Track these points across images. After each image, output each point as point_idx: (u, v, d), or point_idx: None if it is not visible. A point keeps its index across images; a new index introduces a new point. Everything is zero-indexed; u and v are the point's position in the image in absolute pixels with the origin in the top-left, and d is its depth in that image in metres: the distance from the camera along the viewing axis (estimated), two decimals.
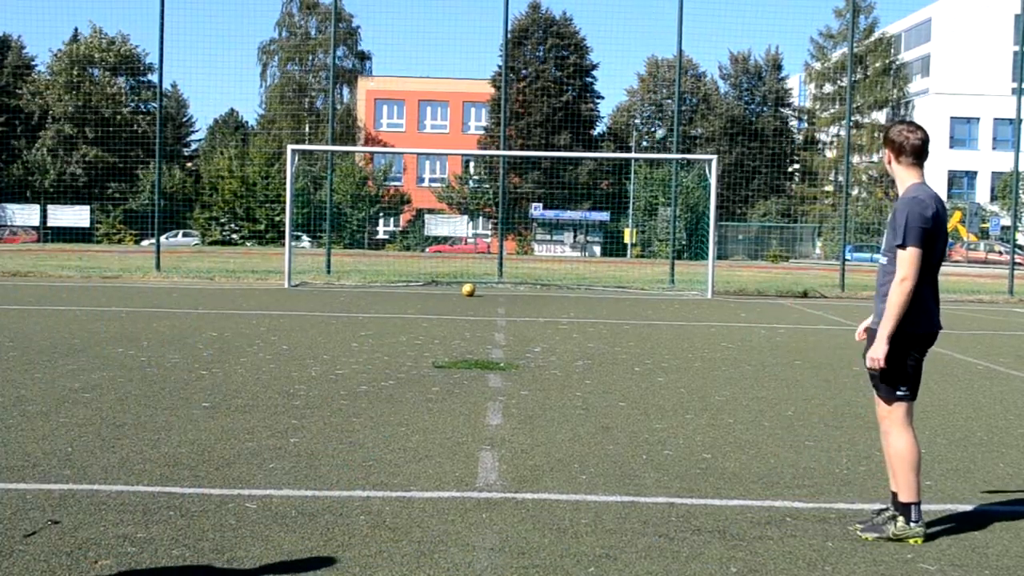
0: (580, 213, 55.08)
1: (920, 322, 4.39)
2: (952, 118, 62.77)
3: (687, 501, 4.93)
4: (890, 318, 4.29)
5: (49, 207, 35.33)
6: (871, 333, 4.47)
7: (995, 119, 61.35)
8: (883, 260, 4.47)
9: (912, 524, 4.37)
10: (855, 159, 61.14)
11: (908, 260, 4.28)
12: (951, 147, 62.86)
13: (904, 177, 4.49)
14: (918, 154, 4.45)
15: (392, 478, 5.17)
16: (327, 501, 4.72)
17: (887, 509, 4.51)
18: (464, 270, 26.52)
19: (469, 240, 51.69)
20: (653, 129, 63.11)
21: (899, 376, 4.40)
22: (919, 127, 4.52)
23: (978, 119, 62.79)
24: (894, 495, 4.48)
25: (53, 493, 4.72)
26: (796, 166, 61.97)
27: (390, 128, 64.91)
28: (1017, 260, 25.53)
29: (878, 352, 4.31)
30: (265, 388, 7.82)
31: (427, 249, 49.33)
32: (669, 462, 5.74)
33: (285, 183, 22.14)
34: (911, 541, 4.35)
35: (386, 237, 58.38)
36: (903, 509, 4.39)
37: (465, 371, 9.04)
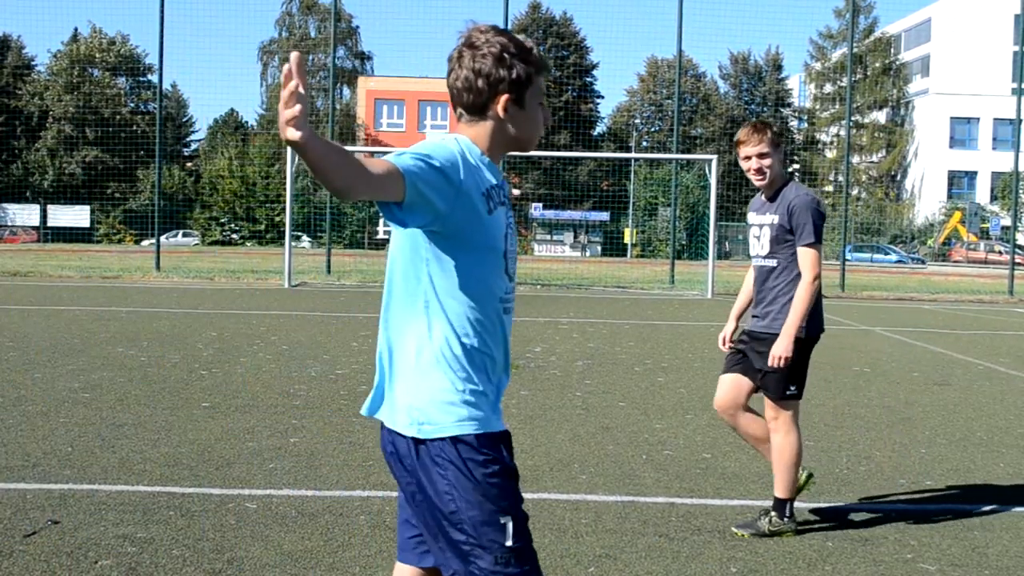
0: (580, 213, 55.06)
1: (820, 322, 4.48)
2: (952, 118, 62.76)
3: (687, 501, 4.93)
4: (800, 317, 4.30)
5: (49, 207, 35.36)
6: (764, 335, 4.43)
7: (995, 119, 61.33)
8: (771, 262, 4.43)
9: (785, 519, 4.41)
10: (855, 159, 61.22)
11: (817, 259, 4.33)
12: (951, 147, 62.86)
13: (781, 173, 4.48)
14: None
15: (392, 478, 5.17)
16: (327, 501, 4.72)
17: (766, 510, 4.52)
18: None
19: None
20: (653, 129, 63.09)
21: (798, 376, 4.42)
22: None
23: (978, 119, 62.78)
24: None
25: (53, 493, 4.72)
26: (796, 166, 61.97)
27: (390, 128, 64.90)
28: (1017, 260, 25.52)
29: (788, 351, 4.29)
30: (265, 388, 7.82)
31: None
32: (669, 462, 5.74)
33: (285, 183, 22.14)
34: (786, 536, 4.39)
35: (386, 237, 58.34)
36: (779, 505, 4.42)
37: None
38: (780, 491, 4.44)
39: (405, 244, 2.30)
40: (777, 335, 4.35)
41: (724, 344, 4.73)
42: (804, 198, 4.36)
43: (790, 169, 61.30)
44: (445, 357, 2.26)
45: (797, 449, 4.44)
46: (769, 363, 4.33)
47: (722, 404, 4.62)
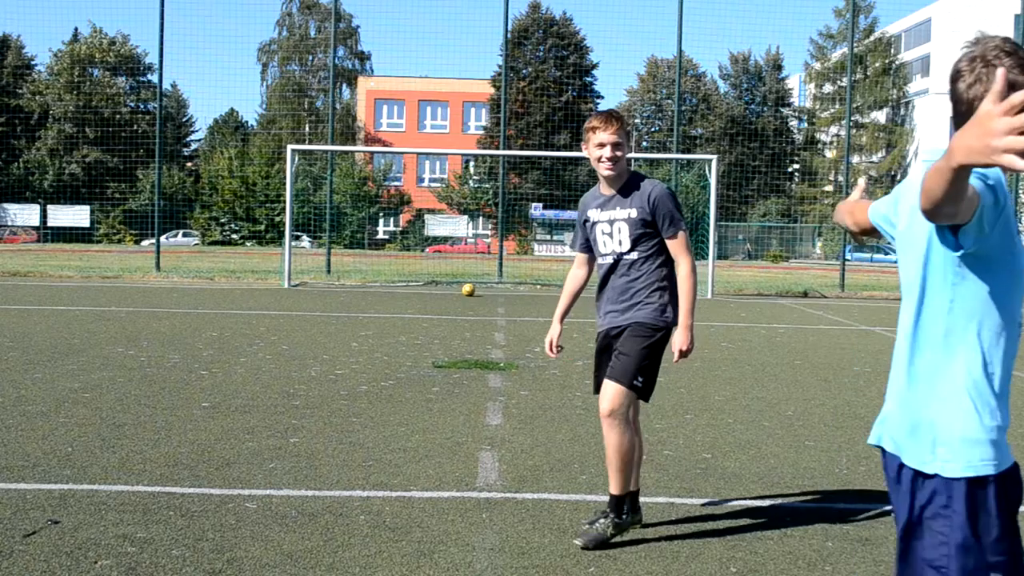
0: None
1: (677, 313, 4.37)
2: (952, 118, 62.72)
3: (687, 501, 4.93)
4: (693, 303, 4.25)
5: (49, 207, 35.30)
6: (625, 327, 4.29)
7: None
8: (631, 256, 4.30)
9: (624, 516, 4.27)
10: (855, 159, 61.18)
11: (688, 245, 4.30)
12: None
13: (627, 167, 4.38)
14: None
15: (392, 478, 5.17)
16: (327, 501, 4.72)
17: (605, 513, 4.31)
18: (464, 270, 26.51)
19: (469, 240, 51.69)
20: (653, 129, 63.09)
21: (651, 369, 4.27)
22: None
23: None
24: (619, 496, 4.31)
25: (53, 493, 4.72)
26: (796, 166, 61.96)
27: (390, 128, 64.90)
28: None
29: (690, 343, 4.23)
30: (265, 388, 7.82)
31: (427, 249, 49.33)
32: (669, 462, 5.74)
33: (285, 183, 22.14)
34: (634, 528, 4.33)
35: (386, 237, 58.36)
36: (616, 503, 4.26)
37: (465, 371, 9.04)
38: (618, 488, 4.27)
39: (934, 264, 2.16)
40: (649, 325, 4.23)
41: (552, 349, 4.58)
42: (661, 188, 4.28)
43: (790, 169, 61.34)
44: (977, 388, 2.11)
45: (635, 444, 4.27)
46: (675, 359, 4.25)
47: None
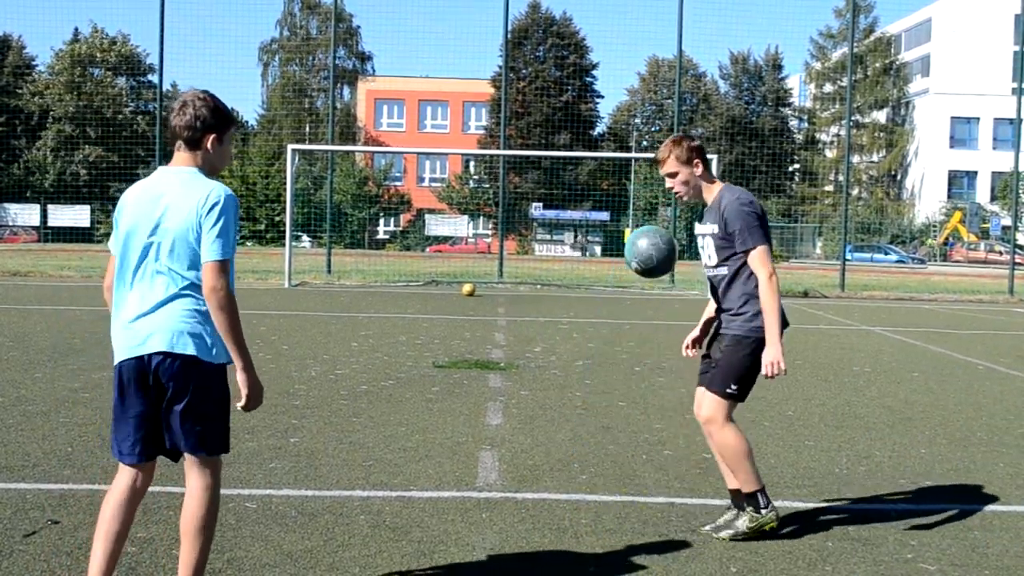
0: (580, 213, 55.03)
1: (785, 319, 4.46)
2: (952, 118, 62.75)
3: (687, 501, 4.93)
4: (776, 318, 4.26)
5: (49, 207, 35.28)
6: (724, 334, 4.40)
7: (995, 119, 61.31)
8: (722, 271, 4.39)
9: (763, 511, 4.34)
10: (855, 159, 61.16)
11: (765, 256, 4.29)
12: (951, 147, 62.85)
13: (710, 180, 4.44)
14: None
15: (392, 478, 5.17)
16: (327, 501, 4.72)
17: (731, 509, 4.49)
18: (464, 270, 26.52)
19: (469, 240, 51.69)
20: (654, 129, 63.08)
21: (746, 378, 4.38)
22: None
23: (978, 119, 62.76)
24: (735, 492, 4.45)
25: (53, 493, 4.72)
26: (796, 166, 61.97)
27: (390, 128, 64.89)
28: (1017, 260, 25.51)
29: (779, 355, 4.23)
30: (265, 388, 7.81)
31: (427, 249, 49.31)
32: (669, 462, 5.74)
33: (285, 183, 22.14)
34: (768, 527, 4.35)
35: (386, 237, 58.38)
36: (751, 499, 4.36)
37: (465, 371, 9.04)
38: (747, 486, 4.37)
39: None
40: (740, 336, 4.33)
41: (688, 349, 4.72)
42: (734, 204, 4.30)
43: (790, 169, 61.32)
44: None
45: (742, 441, 4.37)
46: (765, 373, 4.25)
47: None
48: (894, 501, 5.07)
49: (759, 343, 4.29)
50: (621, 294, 21.60)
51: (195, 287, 3.19)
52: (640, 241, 4.64)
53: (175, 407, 3.22)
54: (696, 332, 4.71)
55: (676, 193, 4.42)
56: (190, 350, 3.18)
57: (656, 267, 4.62)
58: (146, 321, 3.19)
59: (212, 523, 3.27)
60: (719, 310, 4.52)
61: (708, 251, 4.45)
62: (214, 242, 3.12)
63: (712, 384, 4.42)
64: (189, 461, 3.29)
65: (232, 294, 3.17)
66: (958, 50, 66.85)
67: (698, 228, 4.51)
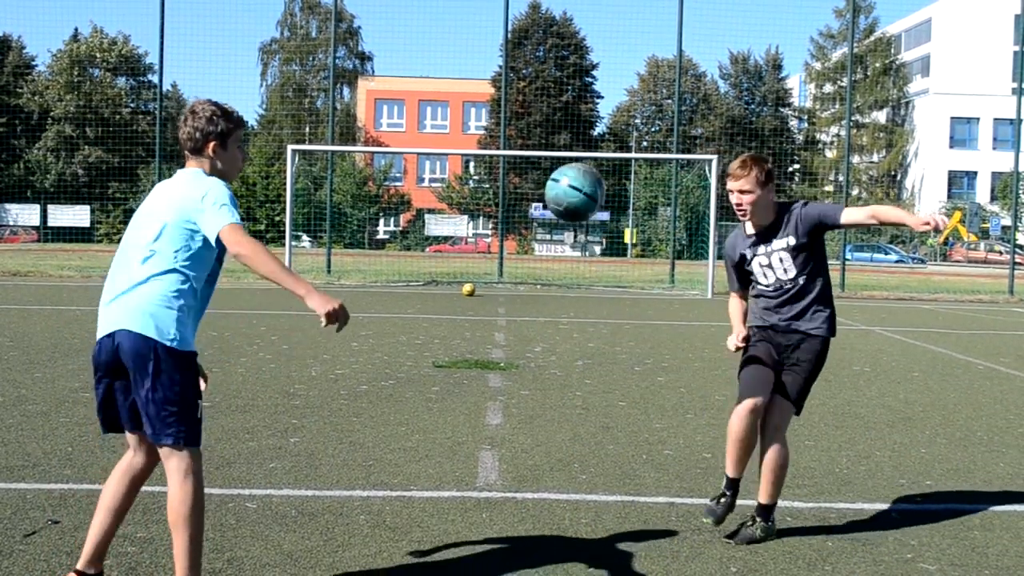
0: None
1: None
2: (952, 118, 62.75)
3: (687, 501, 4.93)
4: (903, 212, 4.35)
5: (49, 207, 35.27)
6: (797, 331, 4.42)
7: (995, 119, 61.31)
8: (800, 280, 4.38)
9: (772, 524, 4.43)
10: (855, 159, 61.17)
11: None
12: (951, 147, 62.85)
13: (769, 206, 4.39)
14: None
15: (392, 478, 5.18)
16: (327, 501, 4.72)
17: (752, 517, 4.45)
18: (464, 270, 26.52)
19: (469, 240, 51.68)
20: (653, 129, 63.08)
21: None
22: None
23: (978, 119, 62.77)
24: (764, 506, 4.44)
25: (53, 493, 4.72)
26: (796, 166, 61.95)
27: (390, 128, 64.88)
28: (1017, 260, 25.52)
29: (934, 216, 4.16)
30: (265, 388, 7.82)
31: (427, 249, 49.31)
32: (669, 462, 5.74)
33: (285, 183, 22.14)
34: (782, 536, 4.41)
35: (386, 237, 58.37)
36: (771, 511, 4.42)
37: (465, 371, 9.05)
38: (770, 498, 4.42)
39: None
40: (812, 335, 4.38)
41: (740, 341, 4.51)
42: (801, 207, 4.38)
43: (791, 169, 61.30)
44: None
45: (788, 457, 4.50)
46: (928, 224, 4.05)
47: (760, 402, 4.33)
48: (894, 501, 5.07)
49: (829, 344, 4.47)
50: (621, 294, 21.60)
51: (177, 273, 3.27)
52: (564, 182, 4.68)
53: (140, 391, 3.24)
54: (743, 330, 4.54)
55: (740, 209, 4.36)
56: (149, 331, 3.21)
57: (572, 211, 4.68)
58: (120, 301, 3.27)
59: (195, 516, 3.25)
60: (774, 314, 4.46)
61: (783, 267, 4.38)
62: (219, 211, 3.24)
63: (792, 393, 4.42)
64: (163, 452, 3.29)
65: (256, 242, 3.23)
66: (958, 50, 66.86)
67: (760, 252, 4.39)
